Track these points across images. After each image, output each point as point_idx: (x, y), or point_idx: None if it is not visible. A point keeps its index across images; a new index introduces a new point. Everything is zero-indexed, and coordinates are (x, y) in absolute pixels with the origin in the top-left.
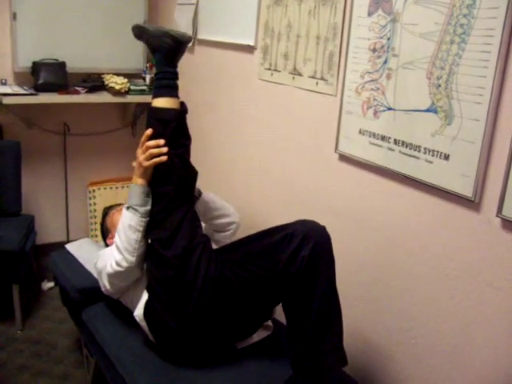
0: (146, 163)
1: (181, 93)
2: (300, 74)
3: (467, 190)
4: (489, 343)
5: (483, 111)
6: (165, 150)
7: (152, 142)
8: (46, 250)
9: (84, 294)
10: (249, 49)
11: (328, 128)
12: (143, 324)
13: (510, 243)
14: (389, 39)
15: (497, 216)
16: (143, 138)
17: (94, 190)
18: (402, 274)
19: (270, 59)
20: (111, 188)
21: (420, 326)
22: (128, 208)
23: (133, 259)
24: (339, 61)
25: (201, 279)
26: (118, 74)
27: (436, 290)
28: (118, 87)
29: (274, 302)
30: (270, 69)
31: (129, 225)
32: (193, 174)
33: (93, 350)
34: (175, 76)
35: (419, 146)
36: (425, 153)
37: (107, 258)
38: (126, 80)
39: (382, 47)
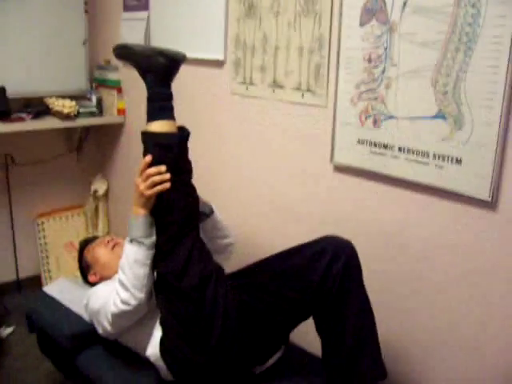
0: (149, 192)
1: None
2: (281, 87)
3: (483, 192)
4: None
5: (496, 115)
6: (167, 176)
7: (153, 169)
8: None
9: (77, 340)
10: (217, 63)
11: (319, 140)
12: (159, 363)
13: None
14: (386, 49)
15: None
16: (142, 166)
17: (42, 223)
18: (413, 278)
19: (243, 73)
20: (61, 218)
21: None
22: (131, 241)
23: (142, 296)
24: (328, 72)
25: (221, 308)
26: (61, 97)
27: (454, 292)
28: (66, 111)
29: (298, 323)
30: (244, 82)
31: (134, 259)
32: (197, 197)
33: None
34: (170, 97)
35: (427, 152)
36: (434, 158)
37: (105, 296)
38: (74, 103)
39: (379, 57)
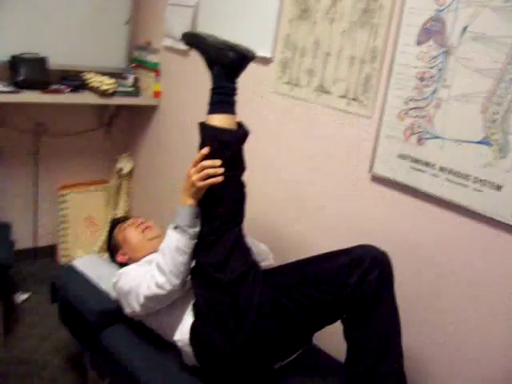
0: (201, 184)
1: (185, 102)
2: (328, 92)
3: None
4: None
5: None
6: (221, 171)
7: (208, 162)
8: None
9: (103, 316)
10: (264, 61)
11: (360, 149)
12: (186, 349)
13: None
14: (440, 70)
15: None
16: (198, 157)
17: (65, 194)
18: (436, 294)
19: (290, 73)
20: (83, 192)
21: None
22: (175, 228)
23: (178, 282)
24: (378, 84)
25: (255, 304)
26: (99, 73)
27: (484, 317)
28: (104, 87)
29: (324, 325)
30: (289, 83)
31: (176, 246)
32: (246, 195)
33: (113, 375)
34: (234, 92)
35: (468, 175)
36: (474, 182)
37: (138, 278)
38: (113, 80)
39: (432, 77)
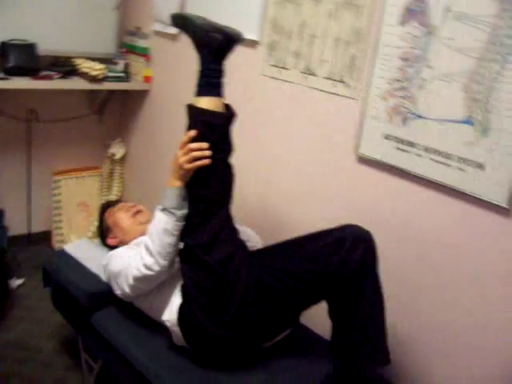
0: (188, 166)
1: (176, 86)
2: (314, 74)
3: (501, 198)
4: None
5: None
6: (208, 153)
7: (195, 145)
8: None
9: (95, 298)
10: (251, 44)
11: (345, 130)
12: (175, 329)
13: None
14: (423, 50)
15: None
16: (185, 139)
17: (59, 180)
18: (423, 271)
19: (277, 56)
20: (77, 178)
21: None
22: (163, 210)
23: (166, 263)
24: (363, 65)
25: (242, 285)
26: (89, 58)
27: (455, 290)
28: (94, 73)
29: (310, 305)
30: (276, 66)
31: (164, 228)
32: (233, 177)
33: (105, 357)
34: (222, 74)
35: (451, 155)
36: (457, 161)
37: (127, 260)
38: (103, 66)
39: (415, 58)
